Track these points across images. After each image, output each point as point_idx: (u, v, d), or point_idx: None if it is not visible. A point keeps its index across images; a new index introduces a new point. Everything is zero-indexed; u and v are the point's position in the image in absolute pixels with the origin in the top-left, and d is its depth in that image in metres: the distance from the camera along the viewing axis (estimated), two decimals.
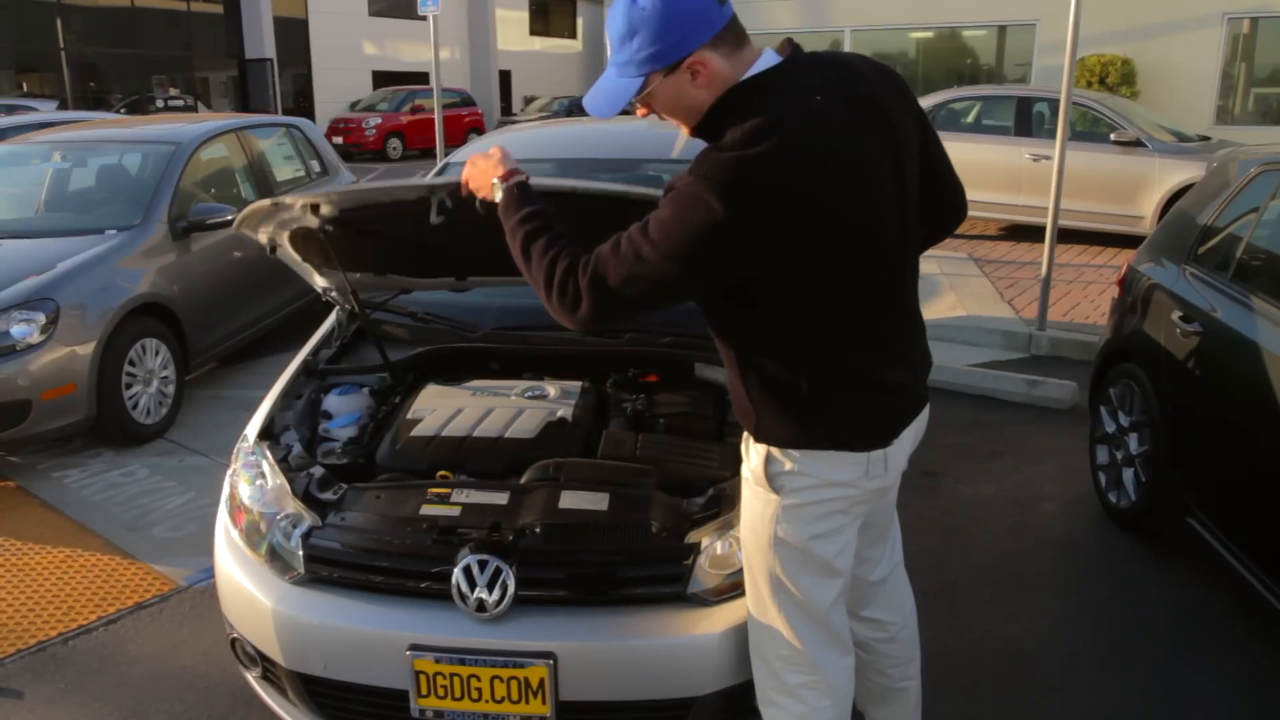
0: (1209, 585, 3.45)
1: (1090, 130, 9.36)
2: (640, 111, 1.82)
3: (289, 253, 3.03)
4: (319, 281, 3.24)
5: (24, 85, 22.54)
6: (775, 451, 1.88)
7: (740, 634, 2.13)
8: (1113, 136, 9.16)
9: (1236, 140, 9.50)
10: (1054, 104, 8.64)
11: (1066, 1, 5.84)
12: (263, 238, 2.92)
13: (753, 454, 1.93)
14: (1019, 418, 5.11)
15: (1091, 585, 3.49)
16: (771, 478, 1.89)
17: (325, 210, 2.67)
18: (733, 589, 2.19)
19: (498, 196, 1.92)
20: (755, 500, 1.96)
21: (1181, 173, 8.71)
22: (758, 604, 2.02)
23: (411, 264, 3.11)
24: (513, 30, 32.27)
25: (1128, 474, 3.83)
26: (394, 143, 21.95)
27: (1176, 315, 3.55)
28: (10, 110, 12.39)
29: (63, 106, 16.82)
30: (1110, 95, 11.00)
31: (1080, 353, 5.97)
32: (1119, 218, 9.10)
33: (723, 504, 2.32)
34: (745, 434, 1.96)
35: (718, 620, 2.15)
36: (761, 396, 1.87)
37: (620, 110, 1.76)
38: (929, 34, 15.72)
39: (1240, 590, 3.21)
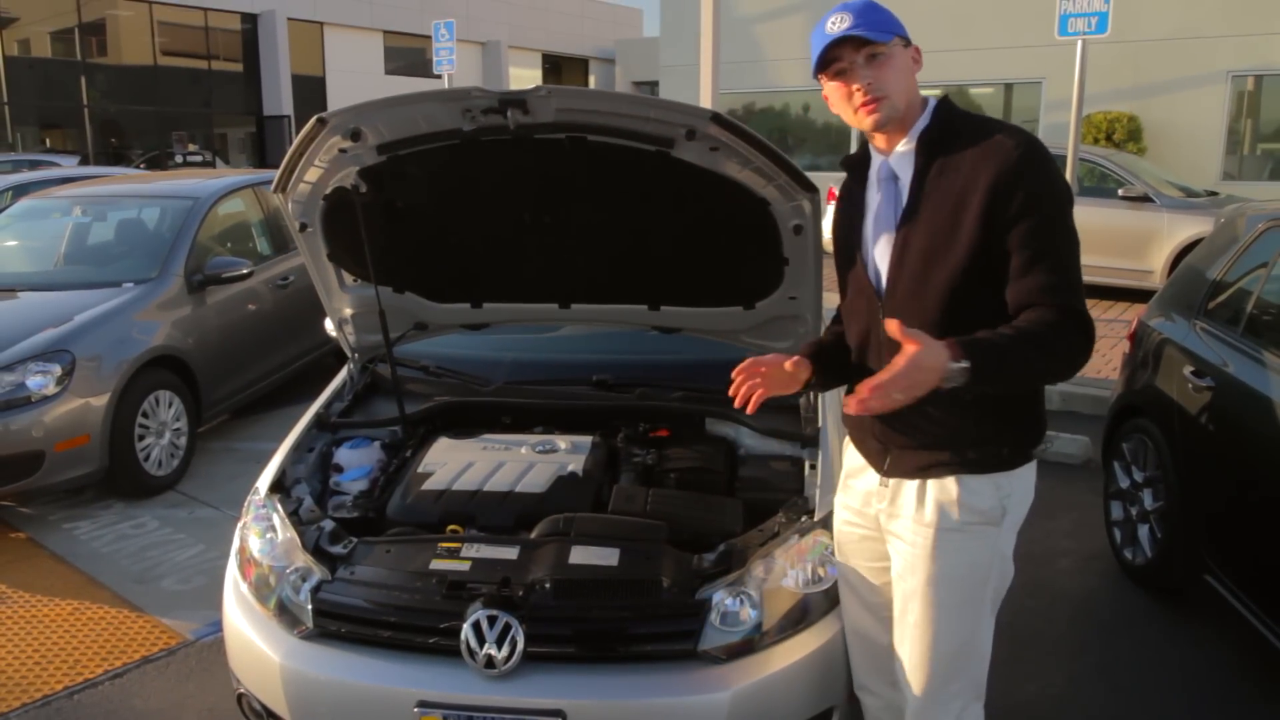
0: (1228, 644, 3.39)
1: (1098, 186, 9.42)
2: (857, 87, 1.86)
3: (317, 240, 3.00)
4: (340, 306, 3.23)
5: (47, 141, 23.00)
6: (1004, 477, 1.93)
7: (751, 693, 2.10)
8: (1121, 192, 9.21)
9: (1244, 195, 9.55)
10: (1061, 160, 8.71)
11: (1072, 59, 5.93)
12: (295, 207, 2.87)
13: (983, 492, 1.92)
14: None
15: (1108, 644, 3.43)
16: (1003, 503, 1.94)
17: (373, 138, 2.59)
18: (744, 647, 2.17)
19: (959, 377, 1.70)
20: (972, 545, 1.95)
21: (1190, 227, 8.74)
22: (945, 668, 1.99)
23: (475, 276, 3.11)
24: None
25: (1143, 530, 3.79)
26: None
27: (1188, 370, 3.55)
28: (33, 165, 12.63)
29: (84, 162, 17.13)
30: (1117, 151, 11.08)
31: (1092, 407, 5.94)
32: (1128, 272, 9.12)
33: (734, 560, 2.30)
34: (947, 480, 1.91)
35: (729, 679, 2.12)
36: (1014, 413, 1.93)
37: (874, 39, 1.83)
38: (936, 92, 15.93)
39: (1260, 649, 3.16)
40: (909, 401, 1.71)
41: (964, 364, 1.68)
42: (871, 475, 2.06)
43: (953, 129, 1.89)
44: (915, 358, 1.67)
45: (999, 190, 1.78)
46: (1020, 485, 1.96)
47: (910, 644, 2.02)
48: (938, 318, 1.86)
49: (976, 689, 2.06)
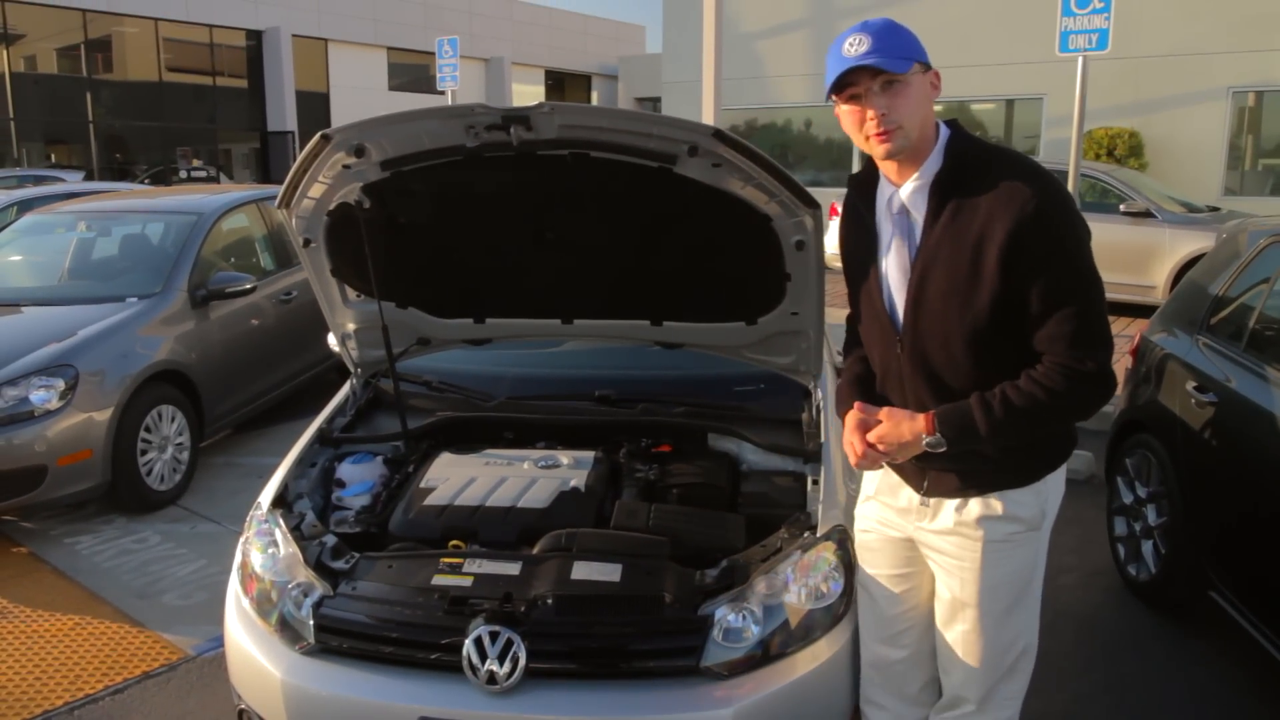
0: (1233, 660, 3.37)
1: (1099, 201, 9.44)
2: (871, 115, 1.83)
3: (321, 256, 3.01)
4: (343, 321, 3.25)
5: (52, 156, 23.10)
6: (1042, 484, 1.97)
7: (754, 709, 2.09)
8: (1122, 207, 9.23)
9: (1245, 211, 9.57)
10: (1062, 175, 8.72)
11: (1073, 76, 5.95)
12: (299, 223, 2.88)
13: (1026, 502, 1.96)
14: None
15: (1113, 660, 3.42)
16: (1043, 508, 1.99)
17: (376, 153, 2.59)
18: (747, 663, 2.16)
19: (942, 444, 1.87)
20: (1019, 552, 1.99)
21: (1192, 243, 8.76)
22: (1005, 668, 2.06)
23: (478, 291, 3.12)
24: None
25: (1147, 546, 3.78)
26: None
27: (1191, 385, 3.54)
28: (38, 181, 12.68)
29: (89, 177, 17.19)
30: (1118, 167, 11.11)
31: (1095, 422, 5.88)
32: (1131, 287, 9.13)
33: (736, 575, 2.30)
34: (990, 496, 1.95)
35: (732, 695, 2.11)
36: (1048, 438, 1.98)
37: (891, 70, 1.79)
38: (938, 108, 15.94)
39: (1266, 665, 3.14)
40: (903, 460, 1.92)
41: (938, 438, 1.86)
42: (908, 493, 2.07)
43: (966, 168, 1.87)
44: (884, 433, 1.90)
45: (1017, 240, 1.78)
46: (1055, 485, 2.03)
47: (966, 651, 2.04)
48: (964, 360, 1.89)
49: (1028, 670, 2.12)
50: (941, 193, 1.87)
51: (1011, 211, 1.78)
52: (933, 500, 2.02)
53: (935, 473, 1.99)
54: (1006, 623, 2.03)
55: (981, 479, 1.95)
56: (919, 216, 1.91)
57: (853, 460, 1.99)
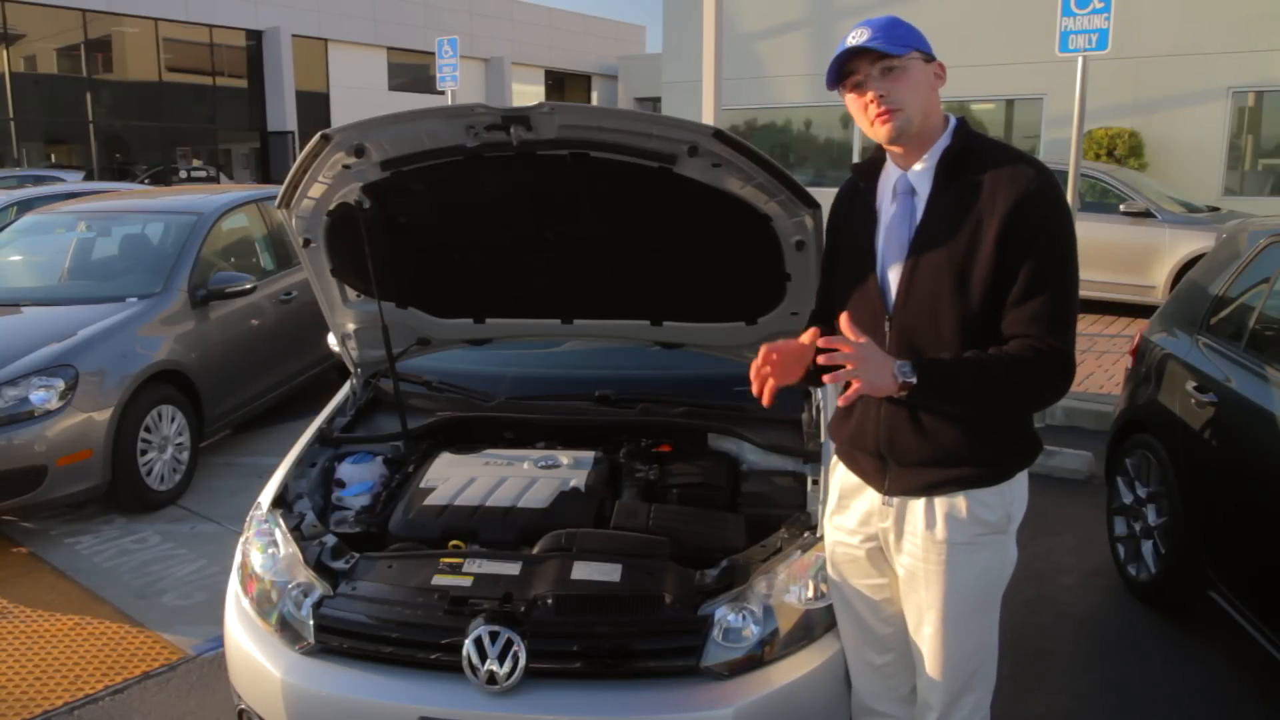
0: (1233, 660, 3.37)
1: (1099, 201, 9.43)
2: (871, 98, 1.88)
3: (321, 256, 3.01)
4: (343, 321, 3.24)
5: (52, 156, 23.11)
6: (1007, 486, 1.97)
7: (754, 709, 2.09)
8: (1122, 207, 9.23)
9: (1246, 211, 9.56)
10: (1062, 176, 8.71)
11: (1073, 76, 5.95)
12: (299, 223, 2.88)
13: (992, 504, 1.95)
14: (1035, 488, 5.02)
15: (1112, 660, 3.42)
16: (1009, 510, 1.98)
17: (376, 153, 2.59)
18: (747, 663, 2.16)
19: (913, 375, 1.81)
20: (984, 555, 1.98)
21: (1192, 243, 8.75)
22: (966, 671, 2.04)
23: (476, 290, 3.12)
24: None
25: (1147, 546, 3.78)
26: None
27: (1191, 385, 3.54)
28: (38, 181, 12.68)
29: (89, 177, 17.19)
30: (1118, 167, 11.10)
31: (1095, 423, 5.93)
32: (1130, 287, 9.12)
33: (736, 575, 2.30)
34: (956, 497, 1.93)
35: (732, 695, 2.11)
36: (1014, 432, 1.99)
37: (888, 52, 1.84)
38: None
39: (1265, 665, 3.14)
40: (871, 393, 1.83)
41: (911, 379, 1.80)
42: (871, 494, 2.05)
43: (973, 151, 1.92)
44: (863, 348, 1.79)
45: (1015, 216, 1.82)
46: (1020, 489, 2.02)
47: (930, 654, 2.03)
48: (951, 340, 1.88)
49: (989, 682, 2.11)
50: (948, 170, 1.92)
51: (1014, 190, 1.83)
52: (896, 500, 2.00)
53: (898, 469, 1.97)
54: (970, 627, 2.01)
55: (947, 480, 1.93)
56: (924, 194, 1.95)
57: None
